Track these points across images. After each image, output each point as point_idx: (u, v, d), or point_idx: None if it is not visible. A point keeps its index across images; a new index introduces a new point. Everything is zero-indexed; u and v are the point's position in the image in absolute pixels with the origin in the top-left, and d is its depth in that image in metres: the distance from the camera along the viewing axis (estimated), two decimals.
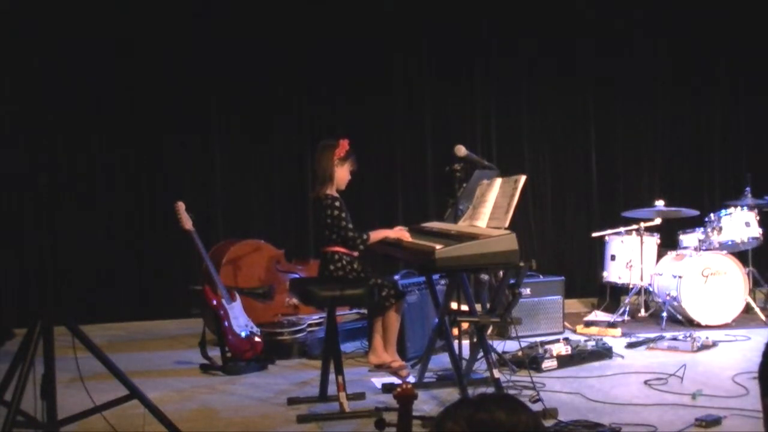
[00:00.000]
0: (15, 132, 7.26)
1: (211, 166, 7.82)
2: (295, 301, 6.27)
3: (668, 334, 6.22)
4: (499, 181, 4.90)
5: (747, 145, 8.69)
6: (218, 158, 7.84)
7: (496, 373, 4.60)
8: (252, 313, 6.05)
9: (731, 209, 7.06)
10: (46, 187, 6.77)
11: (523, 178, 4.74)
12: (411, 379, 5.04)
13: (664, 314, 6.70)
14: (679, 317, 6.81)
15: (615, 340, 6.20)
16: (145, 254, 7.66)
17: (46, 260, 7.28)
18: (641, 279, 7.02)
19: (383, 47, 7.97)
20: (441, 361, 5.45)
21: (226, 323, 5.65)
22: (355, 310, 6.57)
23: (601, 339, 6.04)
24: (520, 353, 5.33)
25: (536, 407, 4.24)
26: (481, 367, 5.01)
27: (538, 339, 5.75)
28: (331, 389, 4.69)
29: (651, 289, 7.09)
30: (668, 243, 7.36)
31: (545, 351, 5.42)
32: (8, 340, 6.44)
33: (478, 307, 5.27)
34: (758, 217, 7.09)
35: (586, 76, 8.37)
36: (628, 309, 7.00)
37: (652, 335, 6.24)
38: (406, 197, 8.16)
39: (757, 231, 7.03)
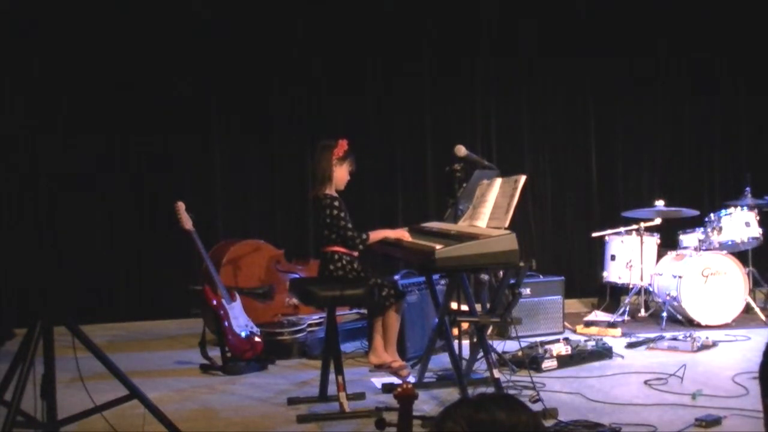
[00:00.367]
0: (15, 132, 7.27)
1: (211, 166, 7.82)
2: (295, 301, 6.27)
3: (668, 334, 6.22)
4: (499, 181, 4.90)
5: (747, 145, 8.69)
6: (218, 158, 7.84)
7: (496, 373, 4.60)
8: (252, 313, 6.05)
9: (731, 209, 7.07)
10: (46, 187, 6.82)
11: (523, 178, 4.74)
12: (411, 379, 5.04)
13: (664, 314, 6.70)
14: (679, 317, 6.81)
15: (615, 340, 6.20)
16: (145, 254, 7.65)
17: (46, 260, 7.28)
18: (641, 279, 7.02)
19: (383, 47, 7.97)
20: (441, 361, 5.45)
21: (226, 323, 5.65)
22: (355, 310, 6.57)
23: (601, 339, 6.04)
24: (520, 353, 5.33)
25: (536, 407, 4.24)
26: (481, 367, 5.01)
27: (538, 339, 5.75)
28: (331, 389, 4.69)
29: (651, 289, 7.09)
30: (668, 243, 7.36)
31: (545, 351, 5.42)
32: (8, 340, 6.45)
33: (478, 307, 5.27)
34: (758, 217, 7.09)
35: (586, 76, 8.36)
36: (628, 309, 7.00)
37: (652, 335, 6.25)
38: (406, 197, 8.16)
39: (757, 231, 7.03)
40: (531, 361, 5.31)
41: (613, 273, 7.26)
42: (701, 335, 6.05)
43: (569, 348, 5.53)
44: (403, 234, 5.05)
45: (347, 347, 6.04)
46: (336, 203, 5.03)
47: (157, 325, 7.42)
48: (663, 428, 4.11)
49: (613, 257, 7.29)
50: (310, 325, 6.17)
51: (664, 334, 6.27)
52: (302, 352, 6.01)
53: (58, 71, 7.30)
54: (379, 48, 7.97)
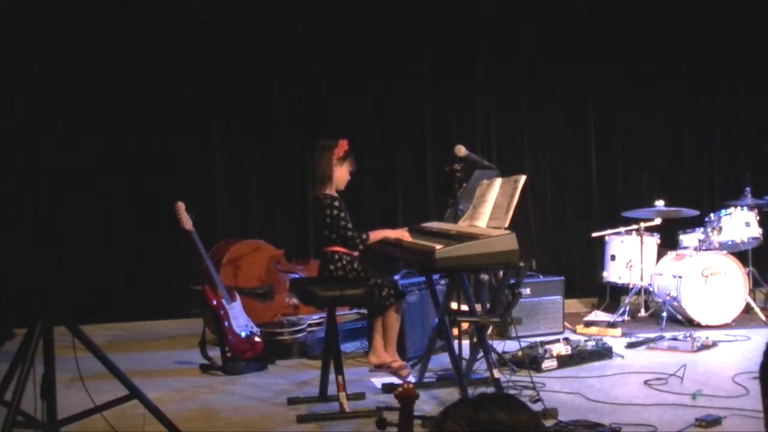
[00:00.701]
0: (15, 132, 7.27)
1: (211, 166, 7.82)
2: (295, 301, 6.27)
3: (668, 334, 6.22)
4: (499, 181, 4.90)
5: (747, 145, 8.69)
6: (218, 158, 7.84)
7: (496, 373, 4.60)
8: (252, 313, 6.05)
9: (731, 209, 7.06)
10: (46, 187, 6.82)
11: (523, 178, 4.74)
12: (411, 379, 5.04)
13: (664, 314, 6.70)
14: (679, 317, 6.81)
15: (615, 340, 6.20)
16: (145, 254, 7.65)
17: (46, 260, 7.28)
18: (641, 279, 7.02)
19: (383, 47, 7.97)
20: (441, 361, 5.45)
21: (226, 323, 5.65)
22: (355, 310, 6.57)
23: (601, 339, 6.04)
24: (520, 353, 5.33)
25: (536, 407, 4.24)
26: (481, 367, 5.01)
27: (538, 339, 5.75)
28: (331, 389, 4.69)
29: (651, 289, 7.09)
30: (668, 243, 7.36)
31: (545, 351, 5.42)
32: (8, 340, 6.45)
33: (478, 307, 5.27)
34: (758, 217, 7.09)
35: (586, 76, 8.36)
36: (628, 309, 7.00)
37: (652, 335, 6.24)
38: (406, 197, 8.15)
39: (757, 231, 7.03)
40: (531, 361, 5.31)
41: (613, 273, 7.26)
42: (701, 335, 6.05)
43: (569, 348, 5.53)
44: (403, 234, 5.05)
45: (347, 347, 6.04)
46: (336, 203, 5.03)
47: (157, 325, 7.42)
48: (663, 428, 4.11)
49: (613, 257, 7.29)
50: (310, 325, 6.17)
51: (664, 334, 6.27)
52: (302, 352, 6.01)
53: (58, 71, 7.30)
54: (379, 48, 7.97)
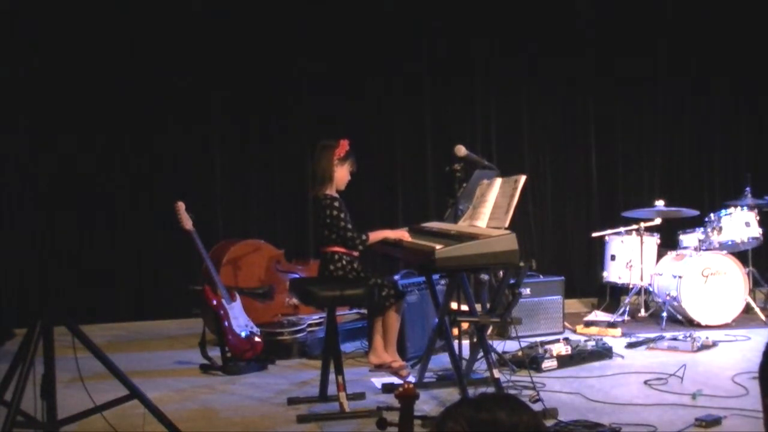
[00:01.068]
0: (15, 132, 7.27)
1: (211, 166, 7.81)
2: (295, 301, 6.27)
3: (668, 334, 6.22)
4: (499, 181, 4.90)
5: (747, 145, 8.69)
6: (218, 158, 7.83)
7: (496, 373, 4.61)
8: (252, 313, 6.05)
9: (731, 209, 7.07)
10: (46, 187, 6.81)
11: (523, 178, 4.74)
12: (411, 379, 5.04)
13: (664, 314, 6.70)
14: (679, 317, 6.81)
15: (615, 340, 6.20)
16: (145, 254, 7.65)
17: (46, 260, 7.28)
18: (641, 279, 7.02)
19: (383, 47, 7.97)
20: (441, 361, 5.45)
21: (226, 323, 5.65)
22: (355, 310, 6.57)
23: (601, 339, 6.04)
24: (520, 353, 5.33)
25: (536, 407, 4.24)
26: (481, 367, 5.01)
27: (538, 339, 5.75)
28: (331, 389, 4.69)
29: (651, 289, 7.09)
30: (668, 243, 7.36)
31: (545, 351, 5.42)
32: (8, 340, 6.45)
33: (478, 307, 5.27)
34: (758, 217, 7.09)
35: (586, 76, 8.36)
36: (628, 309, 7.00)
37: (652, 335, 6.24)
38: (406, 197, 8.15)
39: (757, 231, 7.03)
40: (531, 361, 5.31)
41: (613, 273, 7.26)
42: (701, 335, 6.05)
43: (569, 348, 5.53)
44: (403, 234, 5.05)
45: (347, 347, 6.04)
46: (336, 203, 5.03)
47: (157, 325, 7.42)
48: (663, 428, 4.11)
49: (613, 257, 7.28)
50: (310, 325, 6.17)
51: (664, 334, 6.27)
52: (302, 352, 6.01)
53: (58, 71, 7.30)
54: (379, 48, 7.96)
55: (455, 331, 4.86)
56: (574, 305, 7.72)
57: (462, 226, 4.88)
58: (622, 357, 5.72)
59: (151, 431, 3.92)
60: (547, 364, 5.34)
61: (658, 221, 7.21)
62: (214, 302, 5.67)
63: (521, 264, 4.49)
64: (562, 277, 6.75)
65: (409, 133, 8.17)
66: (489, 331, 5.57)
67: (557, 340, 5.62)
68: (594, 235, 7.51)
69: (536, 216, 8.34)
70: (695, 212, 7.26)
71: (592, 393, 4.82)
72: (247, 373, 5.55)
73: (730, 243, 6.98)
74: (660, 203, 7.24)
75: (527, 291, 6.43)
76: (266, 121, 7.92)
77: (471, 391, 4.59)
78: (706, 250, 6.91)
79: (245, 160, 7.91)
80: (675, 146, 8.68)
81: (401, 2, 8.01)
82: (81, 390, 3.87)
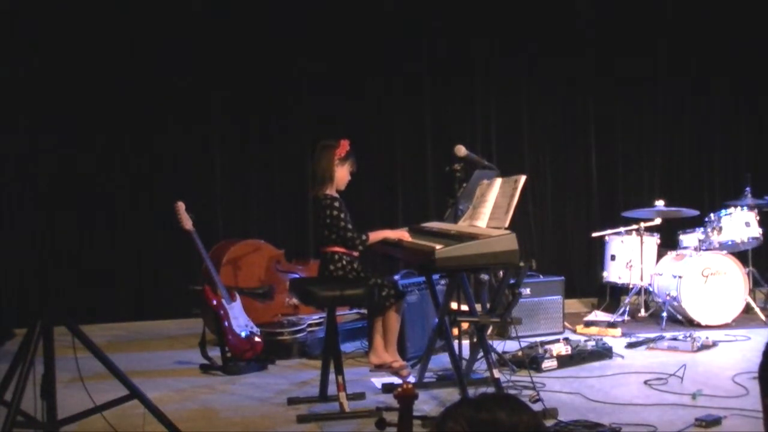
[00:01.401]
0: (15, 132, 7.27)
1: (211, 166, 7.81)
2: (295, 301, 6.27)
3: (668, 334, 6.22)
4: (499, 181, 4.90)
5: (747, 145, 8.69)
6: (218, 158, 7.83)
7: (496, 373, 4.61)
8: (252, 313, 6.05)
9: (731, 209, 7.07)
10: (45, 187, 6.81)
11: (523, 178, 4.74)
12: (411, 379, 5.04)
13: (664, 314, 6.70)
14: (679, 317, 6.81)
15: (615, 340, 6.20)
16: (145, 254, 7.65)
17: (46, 260, 7.28)
18: (641, 279, 7.02)
19: (383, 47, 7.97)
20: (441, 361, 5.45)
21: (226, 323, 5.64)
22: (355, 310, 6.57)
23: (601, 339, 6.04)
24: (520, 353, 5.33)
25: (536, 407, 4.24)
26: (481, 367, 5.01)
27: (538, 339, 5.75)
28: (331, 389, 4.69)
29: (651, 289, 7.09)
30: (668, 243, 7.36)
31: (545, 351, 5.42)
32: (8, 340, 6.44)
33: (478, 307, 5.27)
34: (758, 217, 7.09)
35: (586, 76, 8.36)
36: (628, 309, 7.00)
37: (652, 335, 6.24)
38: (406, 197, 8.15)
39: (757, 231, 7.03)
40: (531, 361, 5.31)
41: (613, 273, 7.26)
42: (701, 335, 6.05)
43: (569, 348, 5.53)
44: (403, 234, 5.05)
45: (347, 347, 6.04)
46: (336, 203, 5.03)
47: (157, 325, 7.41)
48: (663, 428, 4.11)
49: (613, 257, 7.28)
50: (310, 325, 6.17)
51: (664, 334, 6.27)
52: (302, 352, 6.01)
53: (58, 71, 7.29)
54: (379, 48, 7.96)
55: (455, 331, 4.86)
56: (574, 305, 7.72)
57: (462, 226, 4.88)
58: (622, 357, 5.72)
59: (151, 431, 3.92)
60: (547, 364, 5.34)
61: (658, 221, 7.21)
62: (214, 302, 5.67)
63: (521, 264, 4.49)
64: (562, 277, 6.75)
65: (409, 133, 8.17)
66: (489, 331, 5.57)
67: (557, 340, 5.62)
68: (594, 235, 7.51)
69: (536, 216, 8.34)
70: (695, 212, 7.26)
71: (592, 393, 4.82)
72: (247, 373, 5.54)
73: (730, 243, 6.98)
74: (660, 203, 7.24)
75: (527, 291, 6.43)
76: (266, 121, 7.92)
77: (471, 391, 4.59)
78: (706, 250, 6.91)
79: (245, 160, 7.91)
80: (675, 146, 8.68)
81: (401, 2, 8.01)
82: (81, 390, 3.87)
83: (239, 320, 5.74)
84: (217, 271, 5.94)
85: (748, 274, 6.95)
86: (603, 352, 5.68)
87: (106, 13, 7.41)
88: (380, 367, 5.25)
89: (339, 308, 5.38)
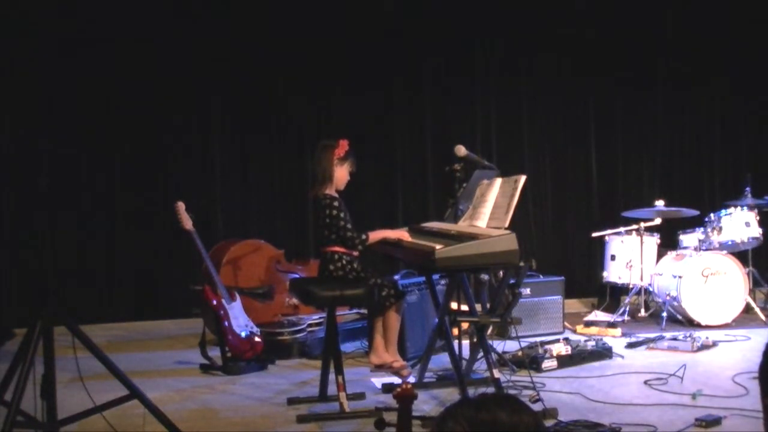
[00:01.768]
0: (15, 132, 7.27)
1: (211, 166, 7.81)
2: (295, 301, 6.27)
3: (668, 334, 6.22)
4: (499, 181, 4.90)
5: (747, 145, 8.69)
6: (218, 158, 7.83)
7: (496, 373, 4.61)
8: (252, 313, 6.05)
9: (731, 209, 7.07)
10: (46, 188, 6.78)
11: (523, 178, 4.74)
12: (411, 379, 5.04)
13: (664, 314, 6.70)
14: (679, 317, 6.81)
15: (615, 340, 6.20)
16: (145, 254, 7.65)
17: (46, 260, 7.27)
18: (641, 279, 7.02)
19: (383, 47, 7.97)
20: (441, 361, 5.45)
21: (226, 323, 5.64)
22: (355, 310, 6.57)
23: (601, 339, 6.04)
24: (520, 353, 5.33)
25: (536, 407, 4.24)
26: (481, 367, 5.01)
27: (538, 339, 5.75)
28: (331, 389, 4.69)
29: (651, 289, 7.09)
30: (668, 243, 7.36)
31: (545, 351, 5.42)
32: (8, 340, 6.44)
33: (478, 307, 5.27)
34: (758, 217, 7.09)
35: (586, 76, 8.36)
36: (628, 309, 7.00)
37: (652, 335, 6.24)
38: (406, 197, 8.15)
39: (757, 231, 7.03)
40: (531, 361, 5.31)
41: (613, 273, 7.26)
42: (701, 335, 6.05)
43: (569, 348, 5.53)
44: (403, 234, 5.05)
45: (347, 347, 6.04)
46: (336, 203, 5.03)
47: (157, 325, 7.42)
48: (663, 428, 4.11)
49: (613, 257, 7.28)
50: (310, 325, 6.17)
51: (664, 334, 6.27)
52: (302, 352, 6.01)
53: (58, 70, 7.29)
54: (379, 48, 7.96)
55: (455, 331, 4.86)
56: (574, 305, 7.73)
57: (462, 226, 4.88)
58: (622, 357, 5.72)
59: (151, 431, 3.92)
60: (547, 364, 5.34)
61: (658, 221, 7.21)
62: (214, 302, 5.67)
63: (521, 264, 4.49)
64: (562, 277, 6.75)
65: (409, 133, 8.17)
66: (489, 331, 5.57)
67: (557, 340, 5.62)
68: (594, 235, 7.51)
69: (536, 216, 8.34)
70: (695, 212, 7.26)
71: (592, 393, 4.82)
72: (247, 373, 5.54)
73: (730, 243, 6.98)
74: (660, 203, 7.24)
75: (527, 291, 6.43)
76: (266, 121, 7.91)
77: (471, 391, 4.59)
78: (706, 250, 6.91)
79: (245, 160, 7.90)
80: (675, 146, 8.68)
81: (401, 2, 8.00)
82: (81, 390, 3.88)
83: (239, 320, 5.74)
84: (217, 271, 5.94)
85: (748, 274, 6.95)
86: (603, 352, 5.68)
87: (107, 12, 7.40)
88: (381, 367, 5.25)
89: (339, 308, 5.38)
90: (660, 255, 7.19)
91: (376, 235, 5.11)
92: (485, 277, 6.10)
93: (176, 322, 7.34)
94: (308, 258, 7.13)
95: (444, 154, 5.82)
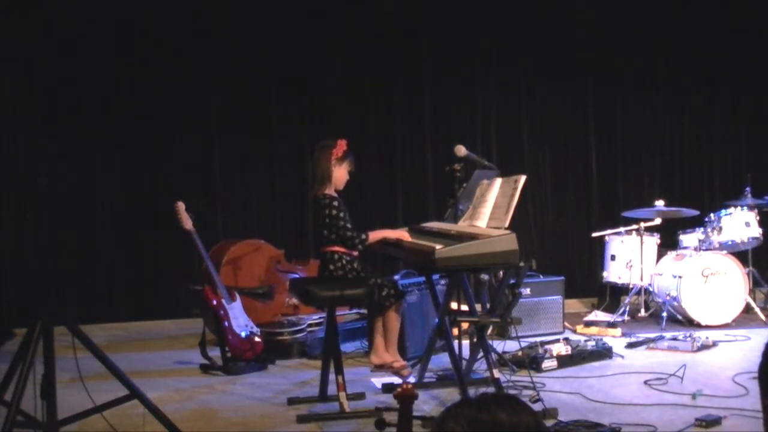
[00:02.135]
0: (15, 132, 7.27)
1: (211, 166, 7.81)
2: (295, 301, 6.27)
3: (668, 334, 6.23)
4: (499, 181, 4.90)
5: (747, 145, 8.69)
6: (218, 158, 7.83)
7: (496, 373, 4.61)
8: (252, 313, 6.05)
9: (731, 209, 7.07)
10: (46, 188, 6.80)
11: (523, 178, 4.74)
12: (411, 379, 5.04)
13: (664, 314, 6.70)
14: (679, 317, 6.81)
15: (615, 340, 6.20)
16: (145, 254, 7.65)
17: (46, 260, 7.28)
18: (641, 279, 7.02)
19: (383, 47, 7.96)
20: (441, 361, 5.45)
21: (226, 323, 5.64)
22: (355, 310, 6.57)
23: (601, 339, 6.04)
24: (520, 353, 5.33)
25: (536, 407, 4.23)
26: (481, 367, 5.01)
27: (538, 339, 5.75)
28: (331, 389, 4.69)
29: (651, 289, 7.09)
30: (668, 243, 7.36)
31: (545, 351, 5.42)
32: (8, 340, 6.44)
33: (478, 307, 5.27)
34: (758, 217, 7.09)
35: (586, 76, 8.36)
36: (628, 309, 7.00)
37: (652, 335, 6.24)
38: (406, 197, 8.15)
39: (757, 231, 7.03)
40: (531, 361, 5.31)
41: (613, 273, 7.26)
42: (701, 335, 6.05)
43: (569, 348, 5.53)
44: (403, 234, 5.05)
45: (347, 347, 6.04)
46: (335, 203, 5.03)
47: (157, 325, 7.42)
48: (663, 428, 4.11)
49: (613, 257, 7.28)
50: (310, 325, 6.17)
51: (664, 334, 6.27)
52: (302, 352, 6.01)
53: (57, 70, 7.30)
54: (379, 48, 7.96)
55: (455, 331, 4.86)
56: (574, 305, 7.73)
57: (462, 226, 4.88)
58: (622, 357, 5.72)
59: (151, 431, 3.92)
60: (547, 364, 5.34)
61: (658, 221, 7.21)
62: (214, 302, 5.67)
63: (521, 264, 4.49)
64: (562, 277, 6.75)
65: (409, 133, 8.17)
66: (489, 331, 5.57)
67: (557, 340, 5.63)
68: (594, 235, 7.51)
69: (536, 216, 8.34)
70: (695, 212, 7.27)
71: (592, 393, 4.82)
72: (247, 373, 5.55)
73: (730, 243, 6.98)
74: (660, 203, 7.24)
75: (527, 291, 6.43)
76: (266, 121, 7.91)
77: (471, 391, 4.59)
78: (706, 250, 6.92)
79: (245, 160, 7.90)
80: (675, 146, 8.68)
81: (401, 2, 8.00)
82: (81, 390, 3.87)
83: (239, 320, 5.74)
84: (217, 271, 5.94)
85: (748, 274, 6.95)
86: (603, 352, 5.68)
87: (107, 13, 7.40)
88: (381, 367, 5.25)
89: (339, 308, 5.38)
90: (660, 255, 7.19)
91: (376, 235, 5.11)
92: (485, 277, 6.10)
93: (176, 322, 7.34)
94: (308, 258, 7.13)
95: (444, 154, 5.83)
